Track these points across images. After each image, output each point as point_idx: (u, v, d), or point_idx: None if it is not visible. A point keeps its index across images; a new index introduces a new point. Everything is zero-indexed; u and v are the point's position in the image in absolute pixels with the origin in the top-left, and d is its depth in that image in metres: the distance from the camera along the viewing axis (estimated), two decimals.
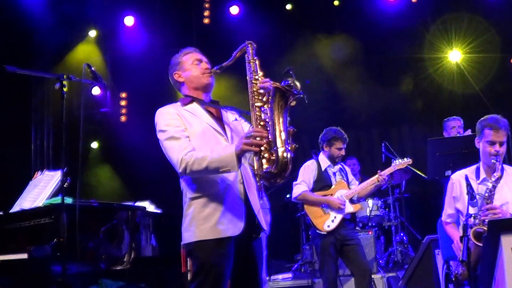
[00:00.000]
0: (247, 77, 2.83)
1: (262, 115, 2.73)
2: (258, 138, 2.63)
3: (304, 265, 6.96)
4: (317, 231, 5.07)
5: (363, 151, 8.82)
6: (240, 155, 2.66)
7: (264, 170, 2.65)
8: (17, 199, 3.88)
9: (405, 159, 5.32)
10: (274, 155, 2.64)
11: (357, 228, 6.40)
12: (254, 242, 2.90)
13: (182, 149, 2.76)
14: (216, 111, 3.02)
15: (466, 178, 3.66)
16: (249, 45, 2.88)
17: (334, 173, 5.25)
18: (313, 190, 5.17)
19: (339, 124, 5.40)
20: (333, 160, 5.23)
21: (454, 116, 6.35)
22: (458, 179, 3.90)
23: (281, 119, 2.69)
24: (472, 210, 3.60)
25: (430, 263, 5.23)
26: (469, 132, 5.98)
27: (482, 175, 3.83)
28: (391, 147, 6.57)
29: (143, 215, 3.99)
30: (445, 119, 6.39)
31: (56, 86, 3.21)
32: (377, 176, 5.11)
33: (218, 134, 2.90)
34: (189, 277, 2.82)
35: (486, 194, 3.62)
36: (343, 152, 5.23)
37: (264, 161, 2.65)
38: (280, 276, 6.82)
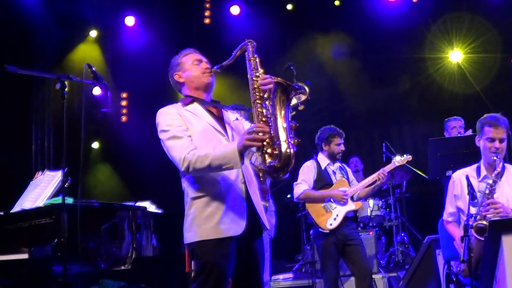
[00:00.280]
0: (248, 75, 2.83)
1: (264, 111, 2.72)
2: (260, 133, 2.62)
3: (305, 265, 6.94)
4: (319, 229, 5.04)
5: (363, 151, 8.80)
6: (242, 151, 2.65)
7: (267, 165, 2.63)
8: (18, 199, 3.88)
9: (405, 155, 5.32)
10: (277, 149, 2.63)
11: (358, 228, 6.39)
12: (256, 242, 2.90)
13: (184, 148, 2.76)
14: (217, 111, 3.01)
15: (467, 178, 3.66)
16: (249, 43, 2.88)
17: (334, 172, 5.24)
18: (314, 189, 5.15)
19: (339, 124, 5.39)
20: (333, 157, 5.22)
21: (455, 116, 6.36)
22: (459, 177, 3.92)
23: (283, 114, 2.67)
24: (473, 210, 3.60)
25: (431, 263, 5.23)
26: (470, 132, 5.98)
27: (483, 172, 3.84)
28: (392, 147, 6.56)
29: (144, 215, 3.99)
30: (446, 119, 6.40)
31: (57, 86, 3.21)
32: (378, 173, 5.10)
33: (219, 133, 2.89)
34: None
35: (487, 190, 3.63)
36: (343, 148, 5.22)
37: (267, 156, 2.64)
38: (281, 276, 6.81)
